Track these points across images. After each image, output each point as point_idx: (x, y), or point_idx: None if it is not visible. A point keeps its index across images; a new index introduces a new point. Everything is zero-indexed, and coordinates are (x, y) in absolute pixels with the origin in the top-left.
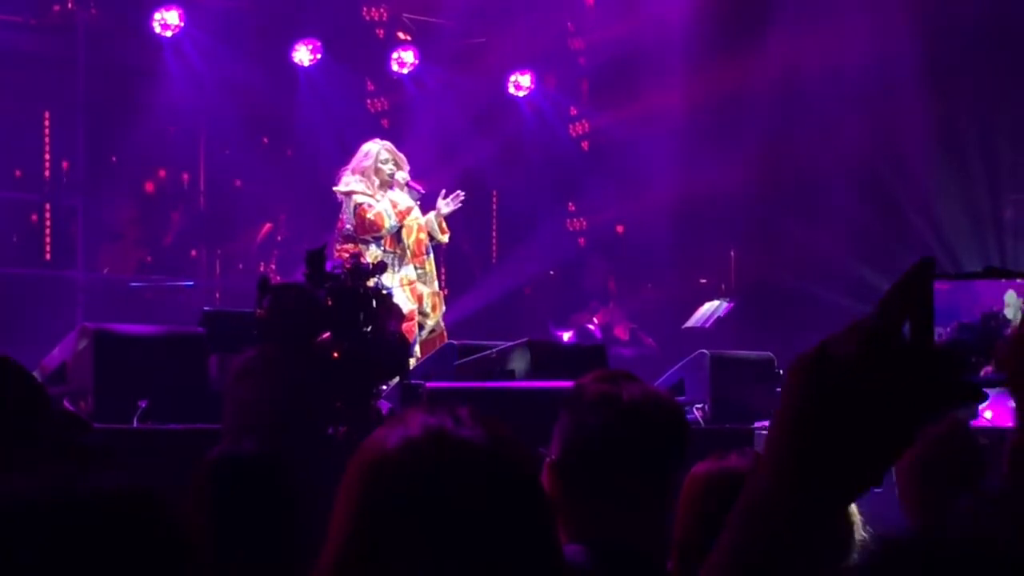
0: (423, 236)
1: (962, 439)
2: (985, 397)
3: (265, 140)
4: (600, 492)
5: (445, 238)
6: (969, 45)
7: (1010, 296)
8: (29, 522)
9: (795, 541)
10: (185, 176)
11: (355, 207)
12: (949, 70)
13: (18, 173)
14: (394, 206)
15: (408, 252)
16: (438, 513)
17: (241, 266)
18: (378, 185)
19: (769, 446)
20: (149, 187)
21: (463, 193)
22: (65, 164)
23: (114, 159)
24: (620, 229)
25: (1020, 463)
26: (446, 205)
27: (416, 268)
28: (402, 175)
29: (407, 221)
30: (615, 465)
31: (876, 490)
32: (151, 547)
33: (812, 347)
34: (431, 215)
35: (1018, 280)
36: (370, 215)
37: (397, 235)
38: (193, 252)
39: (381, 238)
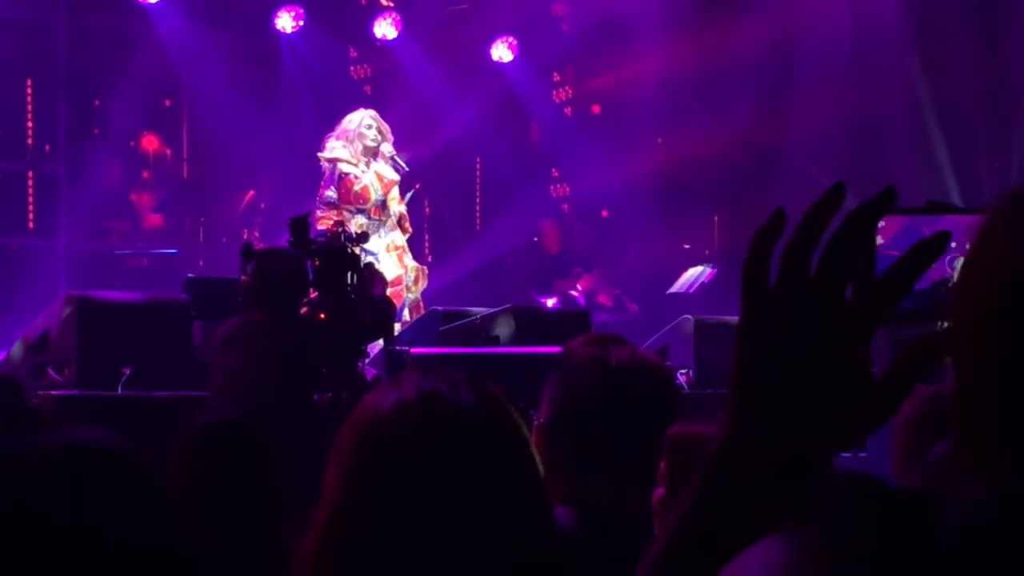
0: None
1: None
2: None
3: (248, 107)
4: (588, 455)
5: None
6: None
7: (960, 263)
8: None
9: (749, 494)
10: (168, 143)
11: (340, 176)
12: (937, 30)
13: (0, 142)
14: (380, 179)
15: (392, 219)
16: (431, 476)
17: (224, 234)
18: (361, 151)
19: (725, 403)
20: (132, 155)
21: (415, 190)
22: (48, 132)
23: (96, 127)
24: (603, 195)
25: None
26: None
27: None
28: (387, 148)
29: (392, 194)
30: (603, 428)
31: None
32: (123, 497)
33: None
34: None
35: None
36: (357, 187)
37: (383, 203)
38: (176, 220)
39: (366, 210)
